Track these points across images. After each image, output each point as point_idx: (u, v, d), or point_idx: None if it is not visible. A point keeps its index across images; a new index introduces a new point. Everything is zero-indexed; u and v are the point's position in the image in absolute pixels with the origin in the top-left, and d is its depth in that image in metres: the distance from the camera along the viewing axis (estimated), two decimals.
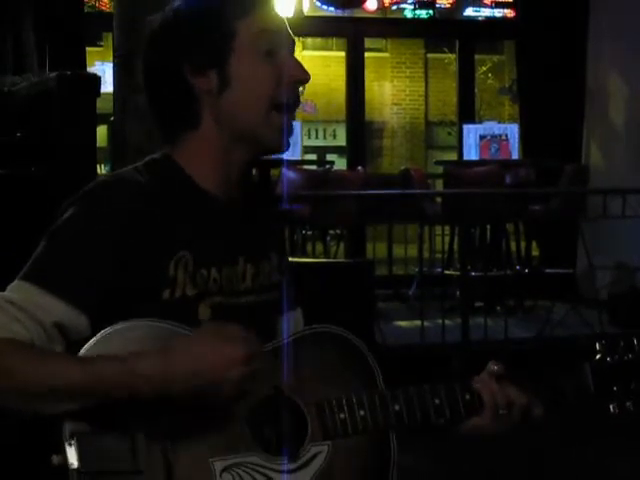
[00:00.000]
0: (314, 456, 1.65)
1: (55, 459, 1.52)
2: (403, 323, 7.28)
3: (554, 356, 6.01)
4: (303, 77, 1.73)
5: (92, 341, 1.57)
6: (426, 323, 6.60)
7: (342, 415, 1.66)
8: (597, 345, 1.84)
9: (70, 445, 1.52)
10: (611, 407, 1.82)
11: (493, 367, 1.78)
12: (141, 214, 1.64)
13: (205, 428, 1.58)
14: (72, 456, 1.52)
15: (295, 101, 1.73)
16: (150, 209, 1.65)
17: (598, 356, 1.83)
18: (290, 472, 1.63)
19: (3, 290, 1.60)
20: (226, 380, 1.53)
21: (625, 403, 1.82)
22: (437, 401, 1.72)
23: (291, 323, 1.82)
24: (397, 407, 1.69)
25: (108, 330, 1.57)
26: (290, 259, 1.97)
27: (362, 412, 1.67)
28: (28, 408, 1.53)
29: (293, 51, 1.76)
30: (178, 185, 1.71)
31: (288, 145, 1.76)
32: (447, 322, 6.59)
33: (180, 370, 1.53)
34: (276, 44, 1.72)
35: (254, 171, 6.84)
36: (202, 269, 1.68)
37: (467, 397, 1.74)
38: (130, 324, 1.59)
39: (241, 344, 1.55)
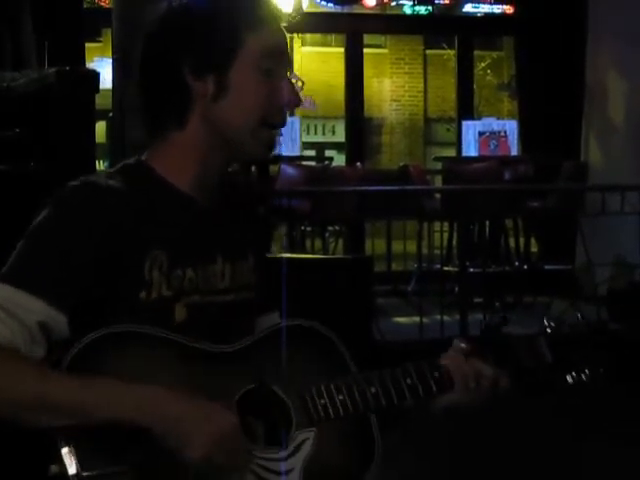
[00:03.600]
0: (302, 442, 1.69)
1: (53, 469, 1.53)
2: (402, 319, 7.29)
3: None
4: (295, 102, 1.74)
5: (75, 349, 1.57)
6: (425, 319, 6.61)
7: (322, 401, 1.70)
8: (545, 322, 1.91)
9: (67, 453, 1.53)
10: (568, 378, 1.87)
11: (460, 344, 1.84)
12: (114, 216, 1.65)
13: None
14: (70, 463, 1.52)
15: (282, 123, 1.75)
16: (123, 211, 1.66)
17: (549, 330, 1.90)
18: (282, 460, 1.66)
19: None
20: (186, 454, 1.56)
21: (580, 373, 1.87)
22: (409, 381, 1.76)
23: (268, 326, 1.82)
24: (373, 389, 1.74)
25: (91, 336, 1.58)
26: (288, 255, 1.98)
27: (341, 397, 1.71)
28: (11, 418, 1.54)
29: (287, 73, 1.76)
30: (152, 187, 1.72)
31: (270, 158, 1.79)
32: (446, 318, 6.60)
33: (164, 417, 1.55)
34: (276, 64, 1.72)
35: (252, 168, 6.84)
36: (177, 269, 1.69)
37: (436, 374, 1.79)
38: (110, 331, 1.59)
39: (216, 424, 1.57)
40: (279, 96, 1.72)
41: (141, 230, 1.66)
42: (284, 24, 1.75)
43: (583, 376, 1.87)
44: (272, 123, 1.73)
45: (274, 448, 1.66)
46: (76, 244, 1.62)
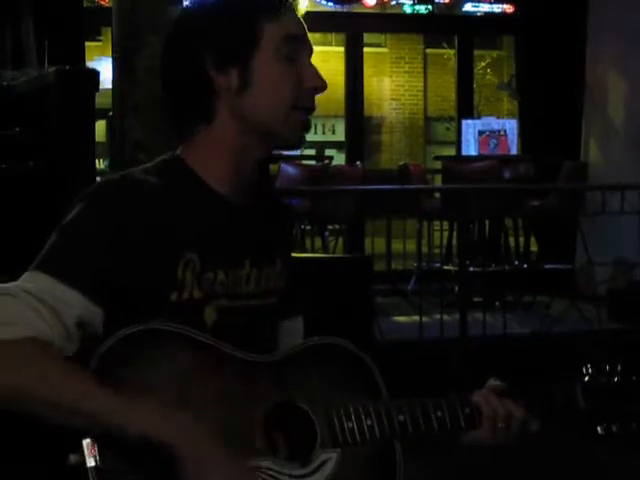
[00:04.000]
0: (324, 462, 1.68)
1: (72, 458, 1.52)
2: (401, 318, 7.28)
3: (553, 352, 6.01)
4: (321, 85, 1.74)
5: (107, 344, 1.56)
6: (425, 318, 6.60)
7: (350, 424, 1.70)
8: (584, 369, 1.90)
9: (88, 444, 1.52)
10: (599, 429, 1.87)
11: (494, 383, 1.84)
12: (150, 212, 1.64)
13: (220, 432, 1.58)
14: (90, 455, 1.51)
15: (312, 107, 1.75)
16: (158, 209, 1.65)
17: (587, 378, 1.89)
18: (302, 477, 1.66)
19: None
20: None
21: (611, 425, 1.87)
22: (439, 414, 1.76)
23: (292, 330, 1.84)
24: (401, 417, 1.73)
25: (124, 332, 1.57)
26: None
27: (369, 421, 1.71)
28: (41, 415, 1.52)
29: (310, 58, 1.77)
30: (187, 186, 1.72)
31: (304, 141, 1.78)
32: (445, 317, 6.59)
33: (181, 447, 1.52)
34: (297, 50, 1.73)
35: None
36: (209, 272, 1.69)
37: (467, 411, 1.79)
38: (145, 327, 1.59)
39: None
40: (305, 80, 1.72)
41: (176, 230, 1.66)
42: (300, 13, 1.76)
43: (614, 427, 1.87)
44: (303, 107, 1.73)
45: (295, 465, 1.66)
46: (112, 238, 1.61)
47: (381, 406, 1.73)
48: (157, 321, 1.60)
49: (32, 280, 1.57)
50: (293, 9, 1.75)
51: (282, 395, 1.66)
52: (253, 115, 1.71)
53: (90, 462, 1.51)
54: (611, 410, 1.88)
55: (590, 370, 1.89)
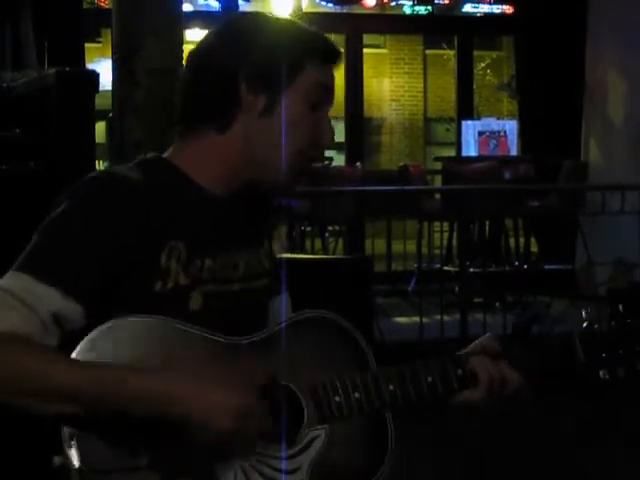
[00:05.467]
0: (312, 440, 1.67)
1: (57, 460, 1.53)
2: (402, 319, 7.29)
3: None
4: (329, 144, 1.78)
5: (88, 337, 1.57)
6: (425, 319, 6.61)
7: (337, 398, 1.68)
8: (583, 313, 1.88)
9: (70, 445, 1.52)
10: (601, 373, 1.85)
11: (490, 343, 1.82)
12: (133, 207, 1.65)
13: None
14: (73, 456, 1.52)
15: (317, 159, 1.78)
16: (141, 202, 1.66)
17: (585, 324, 1.87)
18: (290, 457, 1.65)
19: None
20: (212, 427, 1.54)
21: (615, 369, 1.85)
22: (430, 379, 1.75)
23: (274, 309, 1.84)
24: (391, 387, 1.72)
25: (104, 327, 1.58)
26: (288, 256, 1.99)
27: (357, 394, 1.70)
28: (21, 405, 1.53)
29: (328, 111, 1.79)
30: (172, 181, 1.73)
31: (294, 189, 1.82)
32: (446, 318, 6.60)
33: (178, 398, 1.53)
34: (322, 100, 1.76)
35: None
36: (196, 259, 1.70)
37: (459, 372, 1.77)
38: (125, 321, 1.60)
39: (241, 397, 1.56)
40: (319, 132, 1.75)
41: (157, 221, 1.66)
42: (339, 64, 1.78)
43: (619, 371, 1.84)
44: (309, 155, 1.76)
45: (281, 444, 1.65)
46: (93, 235, 1.62)
47: (369, 376, 1.72)
48: (134, 313, 1.61)
49: (12, 279, 1.59)
50: (334, 60, 1.77)
51: (266, 375, 1.65)
52: (262, 142, 1.73)
53: (74, 461, 1.51)
54: (612, 355, 1.85)
55: (588, 315, 1.88)
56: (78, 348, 1.57)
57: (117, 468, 1.53)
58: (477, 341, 1.84)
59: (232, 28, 1.77)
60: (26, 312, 1.56)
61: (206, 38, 1.77)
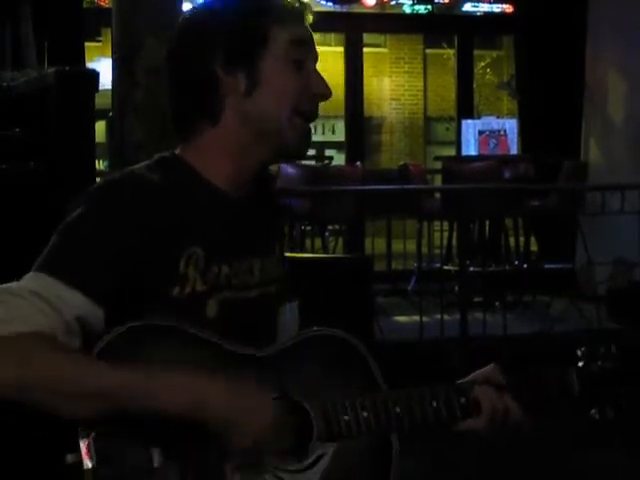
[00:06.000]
0: (320, 457, 1.68)
1: (70, 458, 1.52)
2: (402, 318, 7.29)
3: (553, 351, 6.01)
4: (326, 92, 1.76)
5: (105, 340, 1.56)
6: (425, 318, 6.61)
7: (346, 417, 1.69)
8: (578, 352, 1.91)
9: (85, 444, 1.52)
10: (593, 412, 1.89)
11: (493, 375, 1.84)
12: (152, 211, 1.64)
13: None
14: (87, 455, 1.52)
15: (315, 112, 1.77)
16: (161, 206, 1.65)
17: (581, 363, 1.90)
18: (298, 472, 1.66)
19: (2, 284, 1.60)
20: (246, 436, 1.56)
21: (605, 409, 1.89)
22: (434, 404, 1.77)
23: (292, 315, 1.84)
24: (398, 409, 1.73)
25: (120, 330, 1.57)
26: (288, 255, 1.99)
27: (365, 414, 1.70)
28: (50, 406, 1.52)
29: (316, 65, 1.79)
30: (189, 182, 1.72)
31: (307, 151, 1.79)
32: (446, 317, 6.60)
33: (213, 405, 1.54)
34: (304, 56, 1.75)
35: None
36: (213, 265, 1.69)
37: (462, 400, 1.79)
38: (141, 326, 1.59)
39: (267, 410, 1.58)
40: (310, 86, 1.74)
41: (177, 226, 1.66)
42: (309, 18, 1.78)
43: (608, 411, 1.89)
44: (304, 111, 1.74)
45: (292, 459, 1.65)
46: (112, 237, 1.61)
47: (378, 397, 1.73)
48: (151, 318, 1.60)
49: (34, 280, 1.58)
50: (301, 15, 1.77)
51: (277, 389, 1.65)
52: (259, 117, 1.72)
53: (87, 460, 1.51)
54: (605, 394, 1.89)
55: (583, 354, 1.90)
56: (95, 350, 1.56)
57: (131, 469, 1.53)
58: (481, 370, 1.87)
59: (189, 23, 1.76)
60: (52, 314, 1.55)
61: (169, 43, 1.77)
